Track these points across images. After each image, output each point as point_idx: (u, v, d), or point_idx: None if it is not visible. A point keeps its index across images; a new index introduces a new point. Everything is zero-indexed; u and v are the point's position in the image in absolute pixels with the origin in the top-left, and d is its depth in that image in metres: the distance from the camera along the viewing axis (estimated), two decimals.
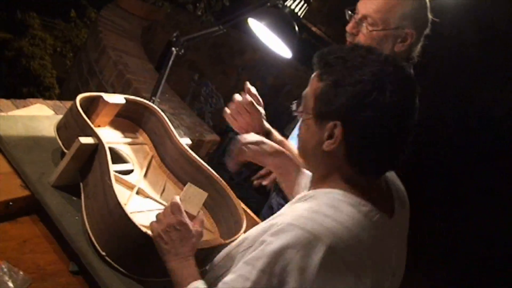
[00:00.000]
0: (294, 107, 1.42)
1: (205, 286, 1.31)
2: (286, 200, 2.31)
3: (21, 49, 4.94)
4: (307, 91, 1.33)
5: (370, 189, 1.31)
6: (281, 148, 1.80)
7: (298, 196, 1.36)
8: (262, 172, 2.29)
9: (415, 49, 2.07)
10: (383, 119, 1.21)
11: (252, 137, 1.79)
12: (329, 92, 1.25)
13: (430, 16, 2.03)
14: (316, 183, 1.37)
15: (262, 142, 1.77)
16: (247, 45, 6.41)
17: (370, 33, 1.98)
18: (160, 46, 5.54)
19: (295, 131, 2.36)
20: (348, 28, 2.04)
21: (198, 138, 3.05)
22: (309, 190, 1.40)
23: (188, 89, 4.32)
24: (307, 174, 1.71)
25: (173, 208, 1.43)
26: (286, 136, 2.49)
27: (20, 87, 4.80)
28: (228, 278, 1.22)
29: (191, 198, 1.53)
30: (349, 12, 2.06)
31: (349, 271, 1.17)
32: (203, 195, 1.58)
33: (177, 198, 1.45)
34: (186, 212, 1.44)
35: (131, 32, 4.32)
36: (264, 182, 2.26)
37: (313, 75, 1.33)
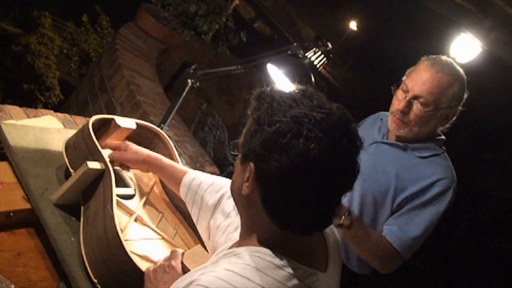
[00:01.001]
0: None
1: None
2: None
3: (29, 45, 4.97)
4: (244, 129, 1.21)
5: (299, 243, 1.19)
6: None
7: (226, 251, 1.24)
8: None
9: (449, 123, 2.17)
10: (294, 166, 1.06)
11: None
12: (251, 131, 1.15)
13: (466, 93, 2.12)
14: (243, 236, 1.26)
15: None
16: (257, 80, 6.46)
17: (423, 113, 2.06)
18: (172, 68, 5.59)
19: None
20: (401, 106, 2.09)
21: (199, 168, 3.07)
22: (236, 243, 1.30)
23: (193, 116, 4.34)
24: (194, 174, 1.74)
25: (172, 255, 1.45)
26: None
27: (21, 83, 4.81)
28: None
29: (195, 257, 1.51)
30: (396, 88, 2.13)
31: None
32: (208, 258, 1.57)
33: (180, 251, 1.47)
34: (184, 266, 1.44)
35: (147, 53, 4.36)
36: None
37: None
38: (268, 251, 1.15)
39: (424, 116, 2.07)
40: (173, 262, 1.43)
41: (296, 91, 1.16)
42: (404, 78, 2.16)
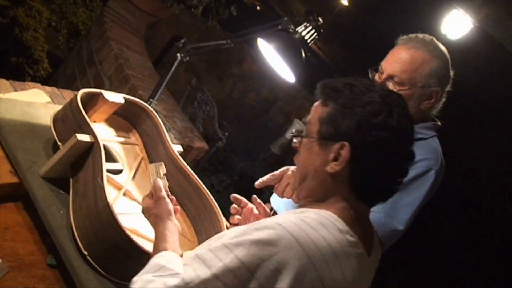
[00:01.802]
0: (294, 133, 1.41)
1: (169, 258, 1.25)
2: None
3: (16, 18, 4.87)
4: (310, 117, 1.35)
5: (360, 222, 1.30)
6: None
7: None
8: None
9: (438, 106, 2.09)
10: (390, 139, 1.24)
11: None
12: (336, 115, 1.27)
13: (452, 73, 2.05)
14: (309, 206, 1.34)
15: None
16: (247, 55, 6.44)
17: (401, 93, 2.00)
18: (161, 42, 5.54)
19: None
20: None
21: (188, 143, 3.06)
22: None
23: (183, 90, 4.32)
24: None
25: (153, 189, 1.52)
26: (272, 152, 2.52)
27: (9, 55, 4.75)
28: (200, 251, 1.18)
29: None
30: (373, 71, 2.08)
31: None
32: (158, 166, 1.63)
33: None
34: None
35: (136, 27, 4.31)
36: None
37: (316, 103, 1.35)
38: (334, 215, 1.25)
39: None
40: (160, 194, 1.49)
41: (356, 78, 1.34)
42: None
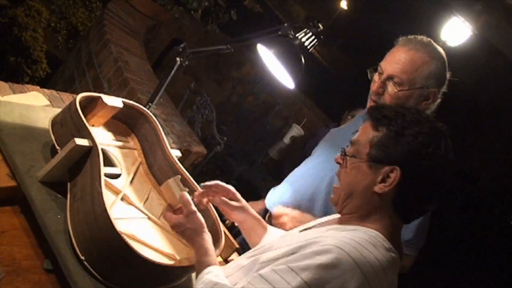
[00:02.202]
0: (340, 153, 1.53)
1: (218, 274, 1.43)
2: None
3: (15, 18, 4.87)
4: (359, 138, 1.48)
5: (397, 237, 1.45)
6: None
7: (330, 226, 1.49)
8: None
9: (433, 106, 2.11)
10: (437, 169, 1.39)
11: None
12: (388, 141, 1.41)
13: (448, 74, 2.08)
14: (354, 221, 1.47)
15: None
16: (246, 58, 6.43)
17: (397, 93, 2.02)
18: (160, 45, 5.54)
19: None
20: (374, 88, 2.08)
21: (186, 148, 3.06)
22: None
23: (181, 94, 4.31)
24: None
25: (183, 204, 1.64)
26: (270, 156, 2.51)
27: (8, 55, 4.74)
28: (266, 272, 1.30)
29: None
30: (372, 71, 2.09)
31: None
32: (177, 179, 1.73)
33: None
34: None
35: (135, 30, 4.31)
36: None
37: (365, 125, 1.50)
38: (380, 234, 1.39)
39: (399, 97, 2.03)
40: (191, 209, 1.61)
41: (403, 107, 1.50)
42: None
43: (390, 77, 2.03)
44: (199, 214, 1.61)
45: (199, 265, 1.50)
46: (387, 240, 1.38)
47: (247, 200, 2.58)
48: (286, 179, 2.46)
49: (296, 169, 2.46)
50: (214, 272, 1.43)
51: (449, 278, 5.78)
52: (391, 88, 2.04)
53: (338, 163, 1.55)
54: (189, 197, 1.63)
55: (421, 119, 1.43)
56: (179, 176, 1.72)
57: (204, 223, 1.60)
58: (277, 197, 2.38)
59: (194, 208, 1.61)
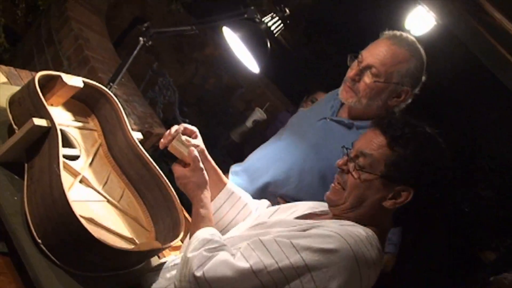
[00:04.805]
0: (357, 167, 1.55)
1: (213, 233, 1.52)
2: None
3: None
4: (374, 154, 1.52)
5: (384, 238, 1.56)
6: None
7: (327, 220, 1.56)
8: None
9: (402, 106, 2.16)
10: (442, 192, 1.50)
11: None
12: (404, 162, 1.48)
13: (424, 77, 2.12)
14: (352, 219, 1.55)
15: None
16: (210, 40, 6.36)
17: (373, 83, 2.06)
18: (122, 24, 5.43)
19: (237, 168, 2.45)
20: (351, 74, 2.10)
21: (147, 129, 3.02)
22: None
23: (143, 74, 4.25)
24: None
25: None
26: (231, 139, 2.51)
27: None
28: (267, 239, 1.39)
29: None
30: (353, 58, 2.11)
31: None
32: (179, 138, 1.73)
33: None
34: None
35: (97, 7, 4.21)
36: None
37: (372, 133, 1.56)
38: (375, 236, 1.48)
39: (373, 87, 2.06)
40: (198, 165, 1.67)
41: (419, 126, 1.56)
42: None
43: (368, 67, 2.06)
44: (205, 172, 1.67)
45: (196, 217, 1.61)
46: (379, 242, 1.48)
47: None
48: (248, 159, 2.47)
49: (259, 150, 2.47)
50: (209, 231, 1.51)
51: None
52: (367, 77, 2.07)
53: (340, 168, 1.60)
54: (197, 154, 1.68)
55: (436, 141, 1.53)
56: (180, 134, 1.71)
57: (208, 181, 1.67)
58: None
59: (201, 165, 1.67)
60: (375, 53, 2.06)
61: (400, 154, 1.48)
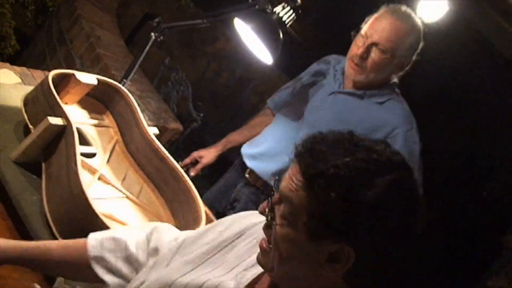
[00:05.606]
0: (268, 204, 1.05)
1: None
2: (256, 193, 2.35)
3: None
4: (293, 198, 0.99)
5: None
6: None
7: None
8: (187, 161, 2.49)
9: (403, 73, 2.24)
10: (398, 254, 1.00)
11: None
12: (332, 209, 0.95)
13: (421, 44, 2.17)
14: None
15: None
16: (221, 33, 6.34)
17: (380, 59, 2.10)
18: (133, 21, 5.43)
19: None
20: (360, 52, 2.12)
21: (162, 125, 3.02)
22: None
23: (155, 70, 4.25)
24: None
25: None
26: None
27: None
28: None
29: None
30: (356, 33, 2.16)
31: None
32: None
33: None
34: None
35: (107, 4, 4.21)
36: (191, 173, 2.43)
37: (299, 178, 0.98)
38: None
39: (381, 63, 2.11)
40: None
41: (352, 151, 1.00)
42: (363, 24, 2.17)
43: (374, 44, 2.09)
44: None
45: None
46: None
47: (221, 174, 2.62)
48: (261, 141, 2.46)
49: (272, 131, 2.47)
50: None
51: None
52: (374, 54, 2.10)
53: (261, 213, 1.06)
54: None
55: (374, 169, 0.96)
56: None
57: None
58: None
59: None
60: (380, 29, 2.09)
61: (329, 198, 0.94)
